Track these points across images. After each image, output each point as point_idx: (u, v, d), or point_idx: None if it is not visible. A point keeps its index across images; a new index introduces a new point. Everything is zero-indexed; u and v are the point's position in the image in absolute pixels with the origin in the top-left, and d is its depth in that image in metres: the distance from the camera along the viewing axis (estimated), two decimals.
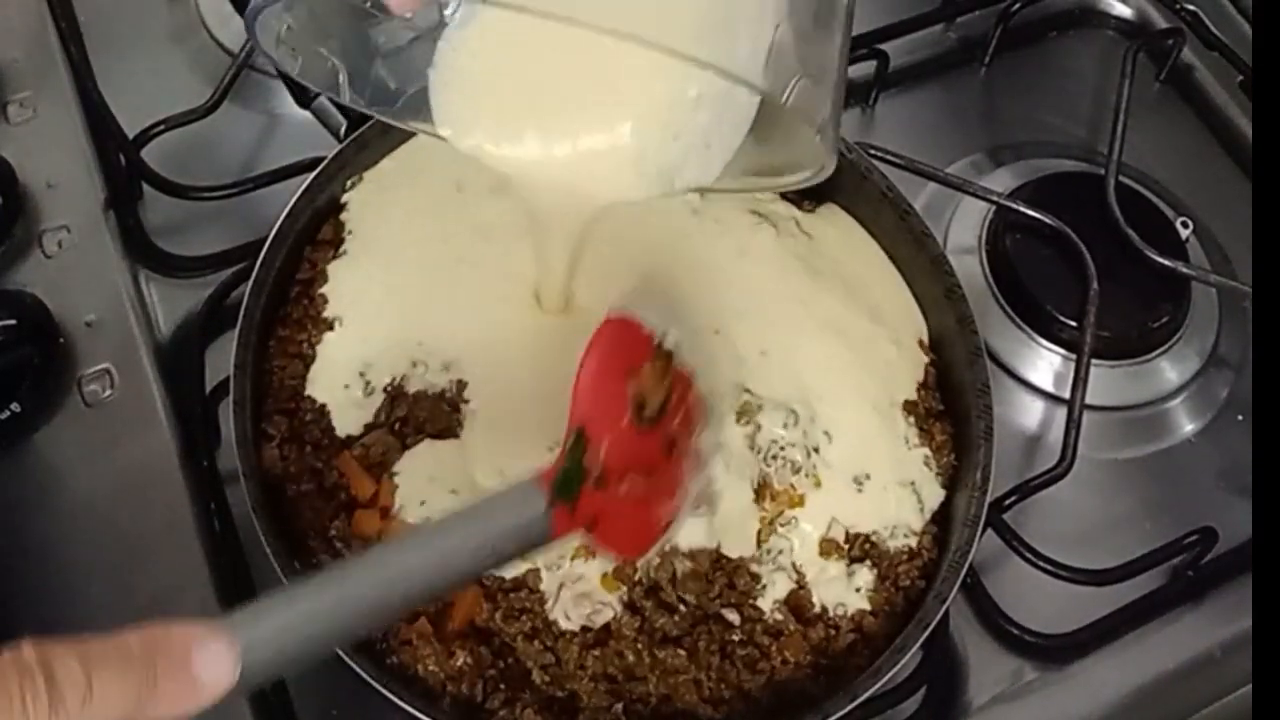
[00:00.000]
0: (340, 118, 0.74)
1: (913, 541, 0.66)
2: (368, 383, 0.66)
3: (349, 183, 0.73)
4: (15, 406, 0.69)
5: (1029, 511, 0.72)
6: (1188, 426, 0.81)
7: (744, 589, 0.63)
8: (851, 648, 0.63)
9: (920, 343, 0.72)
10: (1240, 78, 0.94)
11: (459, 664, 0.60)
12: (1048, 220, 0.81)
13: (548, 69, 0.53)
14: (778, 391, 0.67)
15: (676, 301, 0.66)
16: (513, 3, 0.44)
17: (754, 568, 0.64)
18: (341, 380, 0.66)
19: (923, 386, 0.70)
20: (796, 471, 0.65)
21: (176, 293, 0.78)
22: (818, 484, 0.65)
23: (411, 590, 0.51)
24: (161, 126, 0.81)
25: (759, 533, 0.64)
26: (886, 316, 0.72)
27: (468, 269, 0.70)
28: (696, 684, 0.61)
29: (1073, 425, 0.73)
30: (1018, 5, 0.94)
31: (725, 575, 0.63)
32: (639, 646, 0.61)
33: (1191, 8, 0.97)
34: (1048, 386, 0.80)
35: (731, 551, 0.63)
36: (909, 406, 0.69)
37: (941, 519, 0.67)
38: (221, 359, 0.67)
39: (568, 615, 0.61)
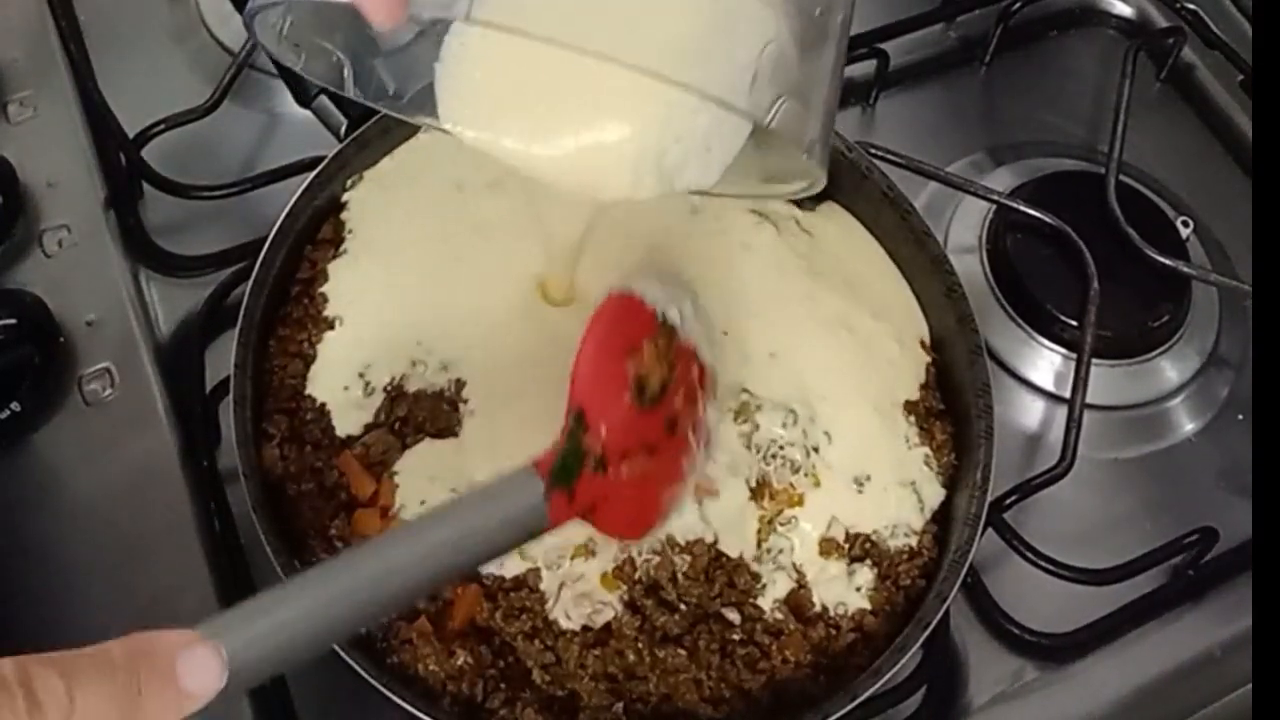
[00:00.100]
0: (340, 117, 0.74)
1: (913, 541, 0.66)
2: (367, 383, 0.66)
3: (349, 182, 0.73)
4: (15, 406, 0.69)
5: (1029, 511, 0.72)
6: (1188, 426, 0.81)
7: (744, 588, 0.63)
8: (852, 647, 0.63)
9: (921, 342, 0.72)
10: (1240, 77, 0.94)
11: (459, 663, 0.60)
12: (1048, 220, 0.81)
13: (553, 66, 0.53)
14: (777, 392, 0.67)
15: (680, 276, 0.65)
16: (496, 23, 0.45)
17: (754, 567, 0.64)
18: (341, 381, 0.66)
19: (923, 386, 0.70)
20: (796, 471, 0.65)
21: (176, 292, 0.78)
22: (817, 483, 0.65)
23: (403, 586, 0.50)
24: (161, 126, 0.81)
25: (758, 532, 0.64)
26: (889, 315, 0.72)
27: (467, 268, 0.70)
28: (697, 683, 0.61)
29: (1073, 425, 0.73)
30: (1018, 5, 0.94)
31: (725, 574, 0.63)
32: (639, 646, 0.61)
33: (1192, 7, 0.97)
34: (1048, 386, 0.80)
35: (730, 549, 0.63)
36: (910, 406, 0.69)
37: (942, 518, 0.67)
38: (221, 359, 0.68)
39: (568, 614, 0.61)
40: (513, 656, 0.61)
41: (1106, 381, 0.80)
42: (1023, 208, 0.82)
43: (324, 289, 0.69)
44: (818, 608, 0.64)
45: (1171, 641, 0.72)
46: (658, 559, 0.62)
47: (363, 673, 0.56)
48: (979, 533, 0.64)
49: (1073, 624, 0.71)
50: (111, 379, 0.72)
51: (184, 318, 0.77)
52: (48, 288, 0.73)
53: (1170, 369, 0.82)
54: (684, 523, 0.62)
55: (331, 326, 0.68)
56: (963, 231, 0.85)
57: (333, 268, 0.70)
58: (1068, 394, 0.75)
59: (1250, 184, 0.91)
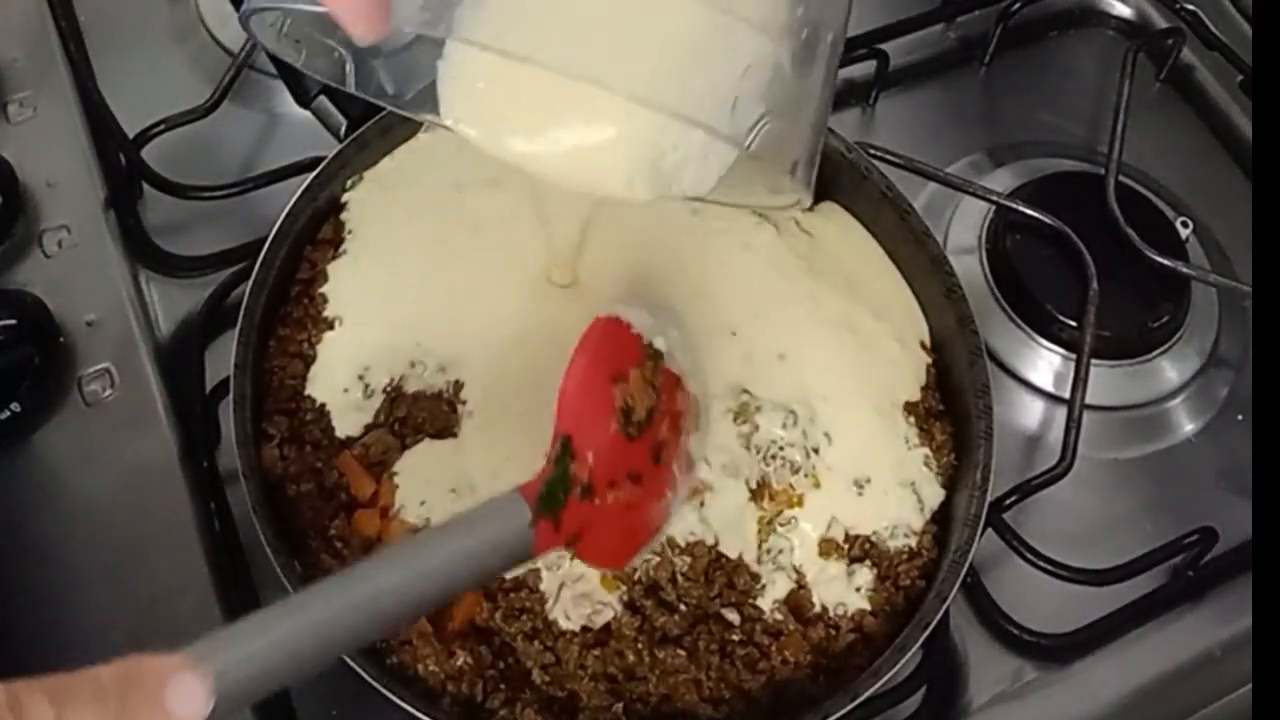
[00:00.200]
0: (340, 117, 0.74)
1: (913, 541, 0.66)
2: (366, 385, 0.66)
3: (349, 182, 0.73)
4: (15, 406, 0.69)
5: (1029, 511, 0.72)
6: (1188, 426, 0.81)
7: (744, 589, 0.63)
8: (851, 647, 0.63)
9: (921, 343, 0.72)
10: (1240, 78, 0.94)
11: (459, 664, 0.60)
12: (1048, 220, 0.81)
13: None
14: (777, 392, 0.67)
15: (669, 302, 0.65)
16: (477, 41, 0.45)
17: (754, 567, 0.64)
18: (341, 383, 0.66)
19: (924, 386, 0.70)
20: (796, 472, 0.65)
21: (176, 292, 0.78)
22: (817, 484, 0.65)
23: (388, 610, 0.50)
24: (161, 126, 0.81)
25: (758, 533, 0.64)
26: (889, 315, 0.72)
27: (467, 269, 0.70)
28: (696, 684, 0.61)
29: (1073, 425, 0.73)
30: (1018, 5, 0.94)
31: (725, 575, 0.63)
32: (639, 646, 0.61)
33: (1191, 7, 0.97)
34: (1048, 386, 0.80)
35: (729, 550, 0.63)
36: (909, 407, 0.69)
37: (941, 519, 0.67)
38: (221, 359, 0.68)
39: (568, 615, 0.61)
40: (512, 657, 0.61)
41: (1106, 382, 0.80)
42: (1022, 208, 0.82)
43: (324, 289, 0.69)
44: (817, 608, 0.64)
45: (1171, 641, 0.72)
46: (657, 559, 0.62)
47: (363, 673, 0.56)
48: (979, 533, 0.64)
49: (1073, 624, 0.71)
50: (111, 379, 0.72)
51: (184, 318, 0.77)
52: (48, 288, 0.73)
53: (1170, 369, 0.82)
54: (684, 523, 0.62)
55: (331, 327, 0.68)
56: (962, 232, 0.85)
57: (333, 268, 0.70)
58: (1067, 394, 0.75)
59: (1250, 184, 0.91)
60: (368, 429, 0.65)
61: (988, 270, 0.83)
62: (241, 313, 0.66)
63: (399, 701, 0.57)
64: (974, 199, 0.84)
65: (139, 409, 0.71)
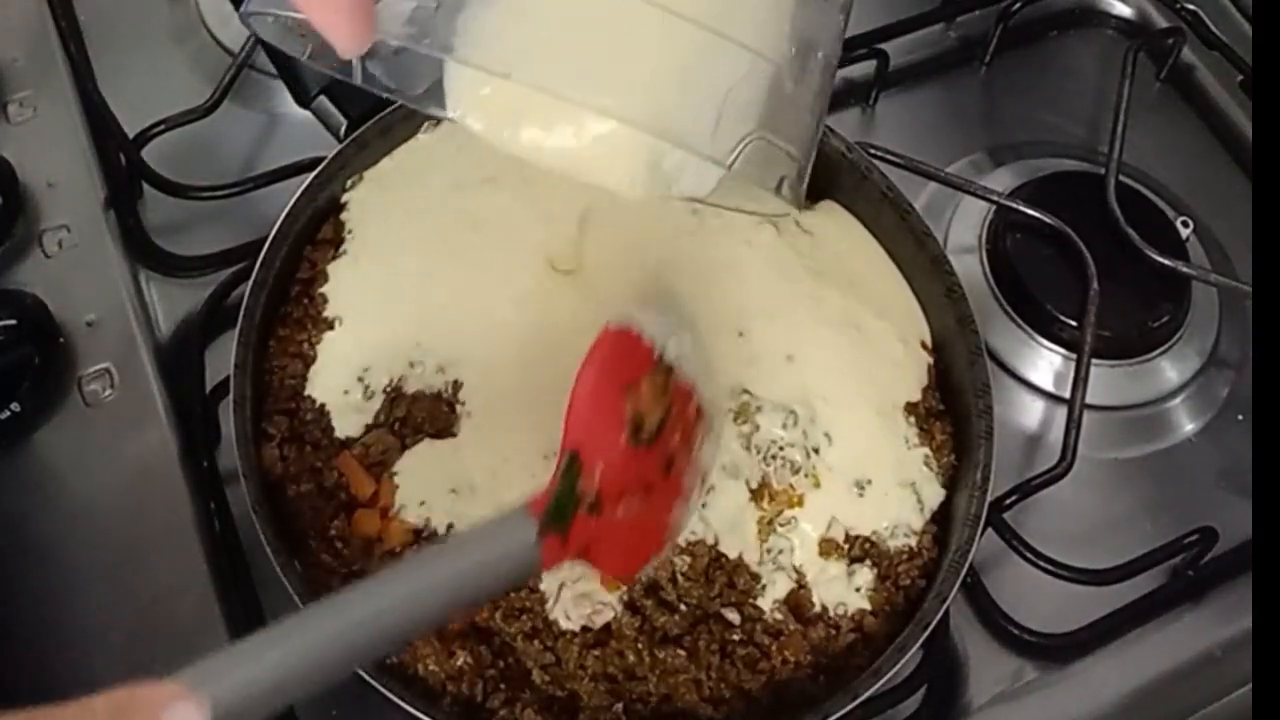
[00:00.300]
0: (340, 117, 0.74)
1: (913, 541, 0.66)
2: (366, 387, 0.66)
3: (349, 182, 0.73)
4: (15, 406, 0.69)
5: (1029, 511, 0.72)
6: (1188, 426, 0.81)
7: (744, 588, 0.63)
8: (851, 647, 0.63)
9: (922, 343, 0.72)
10: (1240, 77, 0.94)
11: (459, 663, 0.60)
12: (1048, 220, 0.81)
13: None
14: (777, 393, 0.67)
15: (681, 307, 0.65)
16: (459, 58, 0.45)
17: (754, 567, 0.64)
18: (341, 385, 0.66)
19: (924, 387, 0.70)
20: (796, 472, 0.65)
21: (176, 292, 0.78)
22: (817, 484, 0.65)
23: (391, 630, 0.49)
24: (161, 126, 0.81)
25: (758, 533, 0.64)
26: (891, 315, 0.72)
27: (467, 269, 0.70)
28: (697, 684, 0.61)
29: (1073, 425, 0.73)
30: (1018, 5, 0.94)
31: (725, 574, 0.63)
32: (639, 646, 0.61)
33: (1192, 7, 0.97)
34: (1048, 386, 0.80)
35: (730, 550, 0.63)
36: (910, 407, 0.69)
37: (942, 518, 0.67)
38: (221, 359, 0.68)
39: (568, 615, 0.61)
40: (513, 657, 0.61)
41: (1106, 381, 0.79)
42: (1023, 208, 0.81)
43: (324, 289, 0.69)
44: (817, 608, 0.64)
45: (1171, 641, 0.72)
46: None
47: (363, 673, 0.56)
48: (979, 533, 0.64)
49: (1073, 624, 0.71)
50: (111, 379, 0.72)
51: (184, 318, 0.77)
52: (48, 288, 0.73)
53: (1170, 369, 0.82)
54: None
55: (331, 327, 0.68)
56: (963, 231, 0.85)
57: (332, 268, 0.70)
58: (1068, 394, 0.75)
59: (1250, 184, 0.91)
60: (368, 429, 0.65)
61: (988, 270, 0.83)
62: (241, 313, 0.66)
63: (399, 701, 0.57)
64: (974, 199, 0.84)
65: (139, 409, 0.71)
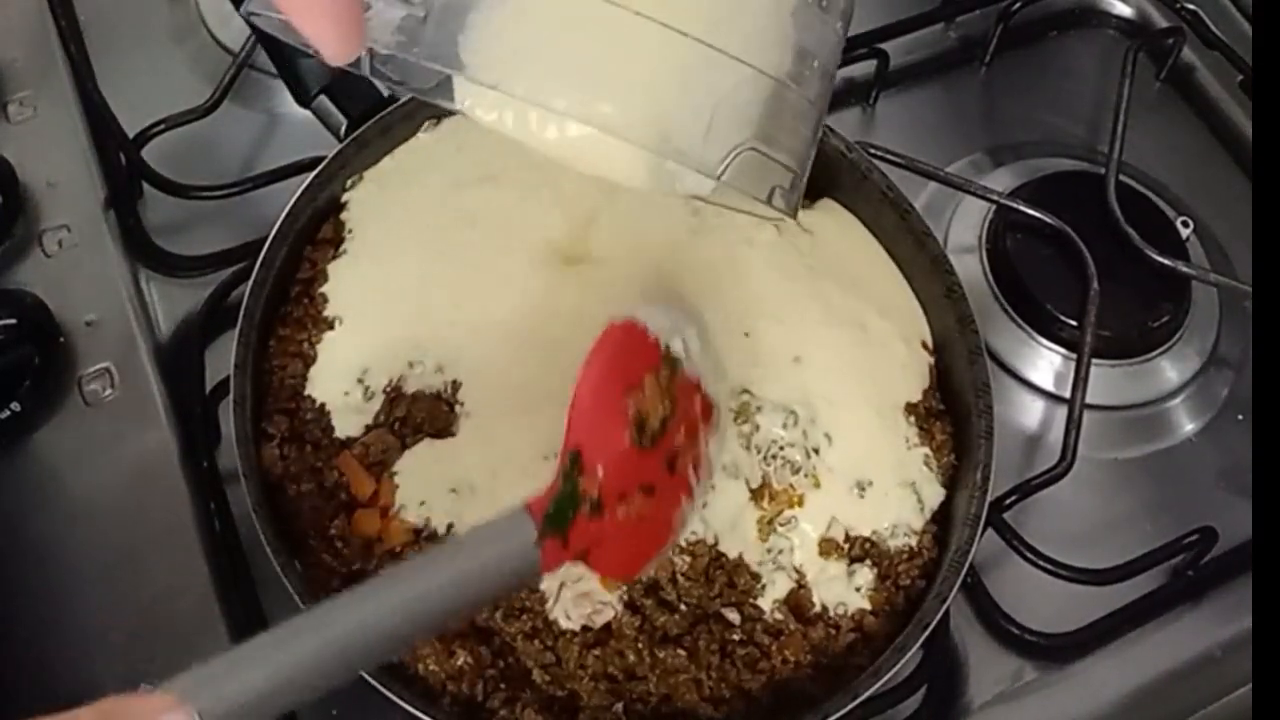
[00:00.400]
0: (340, 117, 0.74)
1: (913, 541, 0.66)
2: (366, 387, 0.66)
3: (349, 182, 0.73)
4: (15, 406, 0.69)
5: (1029, 511, 0.72)
6: (1188, 426, 0.81)
7: (744, 588, 0.63)
8: (852, 647, 0.63)
9: (923, 343, 0.72)
10: (1240, 77, 0.94)
11: (459, 663, 0.60)
12: (1048, 220, 0.81)
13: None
14: (778, 393, 0.67)
15: (687, 302, 0.65)
16: (441, 65, 0.45)
17: (754, 567, 0.64)
18: (341, 386, 0.66)
19: (925, 387, 0.70)
20: (796, 472, 0.65)
21: (176, 292, 0.78)
22: (817, 484, 0.65)
23: (389, 635, 0.49)
24: (161, 126, 0.81)
25: (758, 532, 0.64)
26: (892, 314, 0.72)
27: (466, 268, 0.70)
28: (697, 683, 0.61)
29: (1073, 425, 0.73)
30: (1018, 5, 0.94)
31: (725, 574, 0.63)
32: (639, 646, 0.61)
33: (1192, 7, 0.97)
34: (1048, 386, 0.80)
35: (730, 550, 0.63)
36: (910, 407, 0.69)
37: (942, 518, 0.67)
38: (221, 359, 0.68)
39: (568, 615, 0.61)
40: (513, 656, 0.61)
41: (1106, 381, 0.79)
42: (1023, 208, 0.81)
43: (324, 289, 0.69)
44: (818, 608, 0.64)
45: (1171, 641, 0.72)
46: None
47: (363, 673, 0.56)
48: (979, 533, 0.64)
49: (1073, 624, 0.71)
50: (111, 379, 0.72)
51: (184, 318, 0.77)
52: (48, 288, 0.73)
53: (1170, 369, 0.82)
54: None
55: (331, 327, 0.68)
56: (963, 231, 0.85)
57: (333, 268, 0.70)
58: (1068, 394, 0.75)
59: (1250, 184, 0.91)
60: (368, 429, 0.65)
61: (988, 270, 0.83)
62: (241, 313, 0.66)
63: (399, 701, 0.57)
64: (974, 199, 0.84)
65: (139, 409, 0.71)
